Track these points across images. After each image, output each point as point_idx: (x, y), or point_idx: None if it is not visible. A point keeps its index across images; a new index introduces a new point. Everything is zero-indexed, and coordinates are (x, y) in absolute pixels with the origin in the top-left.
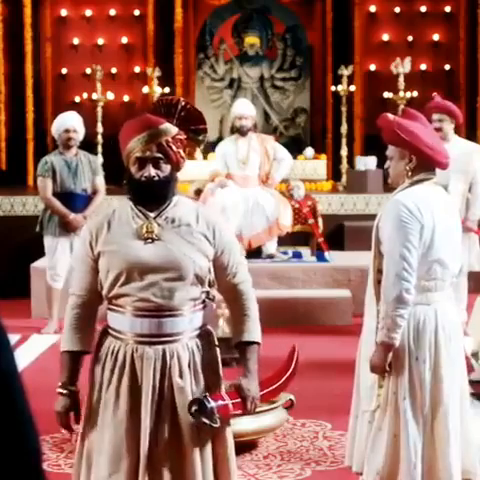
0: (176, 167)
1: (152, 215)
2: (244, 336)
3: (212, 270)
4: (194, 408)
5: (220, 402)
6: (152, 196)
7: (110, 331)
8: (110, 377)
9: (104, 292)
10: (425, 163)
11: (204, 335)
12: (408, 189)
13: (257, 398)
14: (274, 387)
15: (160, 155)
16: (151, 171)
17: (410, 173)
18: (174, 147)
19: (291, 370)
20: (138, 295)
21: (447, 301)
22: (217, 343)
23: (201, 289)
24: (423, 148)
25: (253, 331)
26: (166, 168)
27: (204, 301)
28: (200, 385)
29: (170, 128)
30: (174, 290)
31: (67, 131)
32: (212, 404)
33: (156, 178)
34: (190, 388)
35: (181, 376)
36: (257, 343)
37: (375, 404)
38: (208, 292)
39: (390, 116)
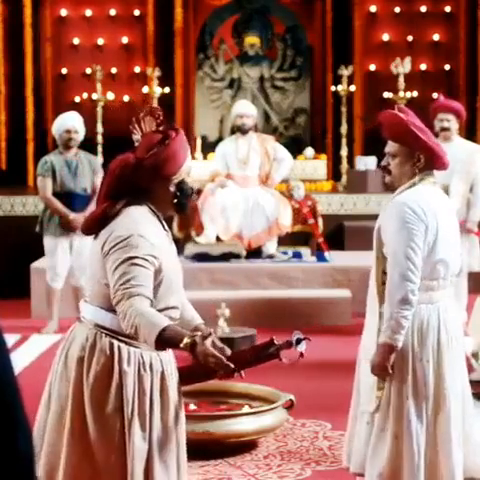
0: None
1: (163, 222)
2: (199, 319)
3: None
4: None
5: None
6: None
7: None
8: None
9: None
10: (431, 163)
11: None
12: (411, 189)
13: None
14: None
15: None
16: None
17: (417, 173)
18: None
19: None
20: (175, 302)
21: (448, 299)
22: None
23: None
24: (434, 147)
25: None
26: None
27: None
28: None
29: None
30: None
31: (68, 131)
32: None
33: None
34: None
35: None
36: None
37: (374, 406)
38: None
39: (398, 113)
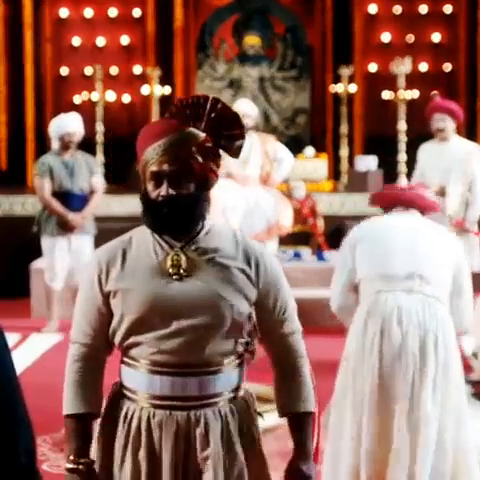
0: (204, 183)
1: (179, 245)
2: (300, 406)
3: (254, 316)
4: None
5: None
6: (172, 220)
7: (124, 391)
8: (123, 451)
9: (117, 340)
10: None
11: (241, 398)
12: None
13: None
14: None
15: (180, 169)
16: (169, 189)
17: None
18: (200, 158)
19: None
20: (159, 346)
21: (411, 304)
22: (256, 408)
23: (239, 340)
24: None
25: (309, 399)
26: (189, 186)
27: (242, 355)
28: (237, 462)
29: (194, 134)
30: (205, 341)
31: (69, 134)
32: None
33: (175, 197)
34: (222, 465)
35: (208, 449)
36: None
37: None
38: (248, 343)
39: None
